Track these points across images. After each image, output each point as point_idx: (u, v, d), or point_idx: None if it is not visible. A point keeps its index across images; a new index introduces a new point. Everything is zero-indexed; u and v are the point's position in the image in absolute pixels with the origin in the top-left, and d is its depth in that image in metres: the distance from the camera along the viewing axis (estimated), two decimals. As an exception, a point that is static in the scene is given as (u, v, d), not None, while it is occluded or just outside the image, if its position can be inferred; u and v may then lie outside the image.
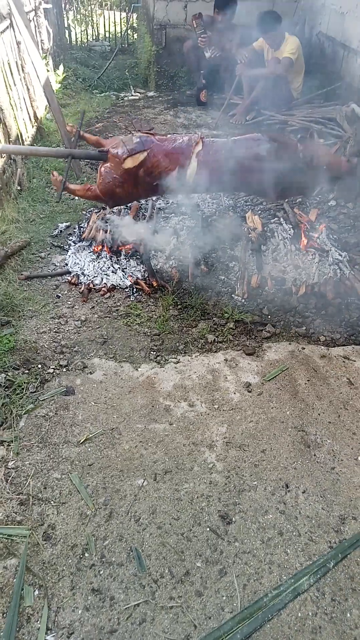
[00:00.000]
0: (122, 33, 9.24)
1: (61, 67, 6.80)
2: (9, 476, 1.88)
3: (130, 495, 1.83)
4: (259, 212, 3.66)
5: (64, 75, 6.71)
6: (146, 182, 2.76)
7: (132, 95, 6.60)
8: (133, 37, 9.20)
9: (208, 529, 1.73)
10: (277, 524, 1.75)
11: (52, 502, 1.80)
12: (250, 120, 5.47)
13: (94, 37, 9.39)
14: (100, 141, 2.93)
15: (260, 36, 5.36)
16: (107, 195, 2.83)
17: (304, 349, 2.56)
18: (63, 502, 1.80)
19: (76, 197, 3.94)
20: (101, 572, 1.60)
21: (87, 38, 9.21)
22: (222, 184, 2.88)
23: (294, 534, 1.73)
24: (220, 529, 1.73)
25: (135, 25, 9.11)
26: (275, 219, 3.53)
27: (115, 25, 9.28)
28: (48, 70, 5.40)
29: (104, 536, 1.70)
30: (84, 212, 3.72)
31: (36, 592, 1.55)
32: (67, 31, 8.49)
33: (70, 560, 1.63)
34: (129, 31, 9.27)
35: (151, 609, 1.52)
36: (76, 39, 8.90)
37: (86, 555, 1.65)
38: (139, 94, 6.63)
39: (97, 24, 9.49)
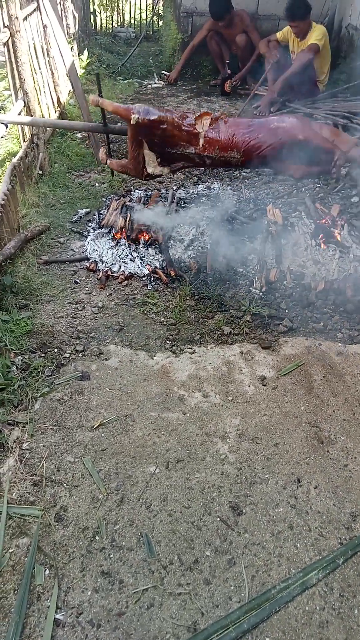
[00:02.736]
0: (148, 20, 9.15)
1: (85, 52, 6.76)
2: (23, 457, 1.90)
3: (142, 481, 1.85)
4: (280, 205, 3.62)
5: (88, 60, 6.68)
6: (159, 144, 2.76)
7: (155, 83, 6.56)
8: (158, 24, 9.11)
9: (218, 519, 1.74)
10: (287, 517, 1.75)
11: (64, 484, 1.82)
12: (274, 112, 5.40)
13: (119, 23, 9.31)
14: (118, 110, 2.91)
15: (286, 24, 5.28)
16: (136, 164, 2.84)
17: (321, 345, 2.54)
18: (75, 485, 1.82)
19: (97, 184, 3.94)
20: (111, 556, 1.62)
21: (112, 24, 9.14)
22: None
23: (304, 528, 1.72)
24: (231, 519, 1.74)
25: (161, 12, 9.02)
26: (296, 213, 3.49)
27: (141, 11, 9.20)
28: (73, 55, 5.38)
29: (114, 520, 1.72)
30: (104, 199, 3.72)
31: (47, 571, 1.58)
32: (92, 16, 8.44)
33: (81, 542, 1.65)
34: (154, 18, 9.18)
35: (159, 595, 1.53)
36: (101, 24, 8.85)
37: (97, 538, 1.67)
38: (162, 82, 6.58)
39: (122, 10, 9.40)
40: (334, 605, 1.53)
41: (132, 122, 2.60)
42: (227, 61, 5.91)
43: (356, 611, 1.51)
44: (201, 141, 2.70)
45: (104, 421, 2.07)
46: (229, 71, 5.91)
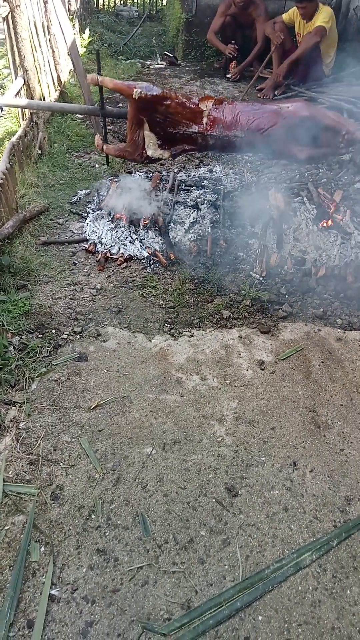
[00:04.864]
0: (151, -1, 8.98)
1: (87, 31, 6.64)
2: (20, 436, 1.90)
3: (138, 462, 1.85)
4: (282, 190, 3.58)
5: (90, 39, 6.56)
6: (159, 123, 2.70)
7: (158, 64, 6.45)
8: (162, 3, 8.94)
9: (214, 500, 1.74)
10: (282, 500, 1.76)
11: (61, 463, 1.83)
12: (278, 95, 5.33)
13: (122, 2, 9.13)
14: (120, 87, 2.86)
15: (293, 6, 5.18)
16: (134, 147, 2.78)
17: (320, 330, 2.53)
18: (72, 465, 1.82)
19: (97, 165, 3.90)
20: (106, 534, 1.63)
21: (114, 2, 8.96)
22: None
23: (299, 510, 1.73)
24: (226, 500, 1.75)
25: (164, -9, 8.83)
26: (299, 198, 3.46)
27: (144, -10, 9.01)
28: (74, 34, 5.27)
29: (110, 500, 1.72)
30: (104, 180, 3.67)
31: (42, 548, 1.58)
32: (94, -6, 8.28)
33: (76, 521, 1.66)
34: (158, -3, 9.00)
35: (154, 573, 1.54)
36: (103, 2, 8.68)
37: (92, 517, 1.67)
38: (165, 63, 6.47)
39: (125, -12, 9.22)
40: (327, 586, 1.54)
41: (134, 96, 2.54)
42: (233, 42, 5.80)
43: (348, 592, 1.53)
44: (205, 119, 2.65)
45: (101, 402, 2.07)
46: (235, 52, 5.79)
